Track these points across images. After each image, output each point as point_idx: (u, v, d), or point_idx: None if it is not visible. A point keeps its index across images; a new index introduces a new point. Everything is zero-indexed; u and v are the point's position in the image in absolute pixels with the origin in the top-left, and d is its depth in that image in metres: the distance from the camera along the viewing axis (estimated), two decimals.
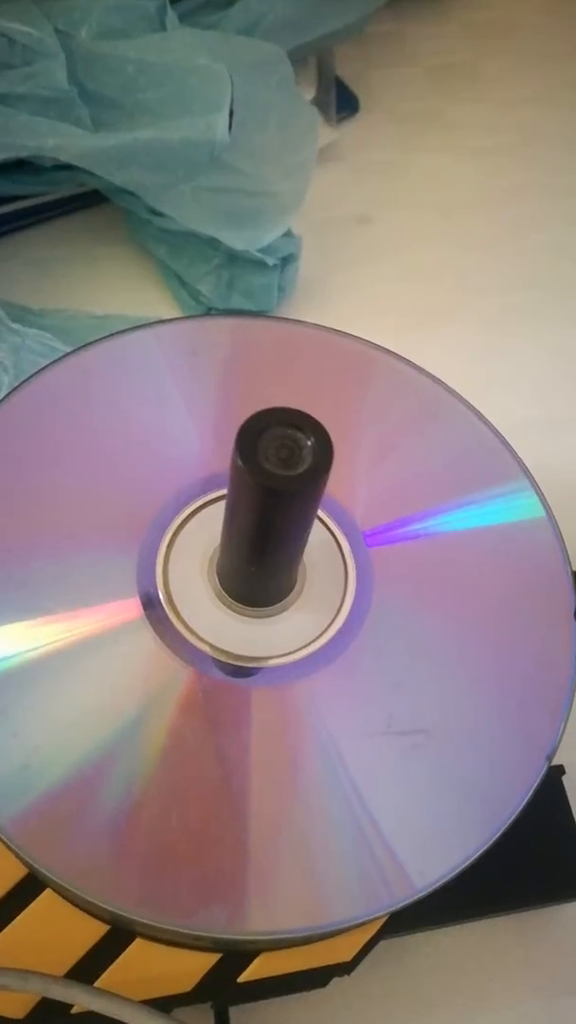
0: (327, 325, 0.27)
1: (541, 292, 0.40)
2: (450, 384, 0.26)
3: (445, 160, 0.45)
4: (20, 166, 0.34)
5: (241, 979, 0.22)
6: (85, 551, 0.23)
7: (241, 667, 0.22)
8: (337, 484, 0.20)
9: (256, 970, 0.22)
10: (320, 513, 0.23)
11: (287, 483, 0.17)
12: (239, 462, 0.17)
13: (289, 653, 0.22)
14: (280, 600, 0.22)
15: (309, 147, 0.35)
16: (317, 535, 0.23)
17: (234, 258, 0.35)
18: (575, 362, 0.39)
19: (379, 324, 0.38)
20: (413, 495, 0.24)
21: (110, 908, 0.20)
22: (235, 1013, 0.23)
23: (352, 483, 0.24)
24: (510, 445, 0.25)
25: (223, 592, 0.22)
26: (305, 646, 0.22)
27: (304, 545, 0.21)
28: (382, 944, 0.22)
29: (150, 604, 0.22)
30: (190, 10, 0.35)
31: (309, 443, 0.17)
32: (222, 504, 0.21)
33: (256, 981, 0.22)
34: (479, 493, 0.24)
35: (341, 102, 0.43)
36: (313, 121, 0.35)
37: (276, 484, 0.17)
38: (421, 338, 0.38)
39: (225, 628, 0.22)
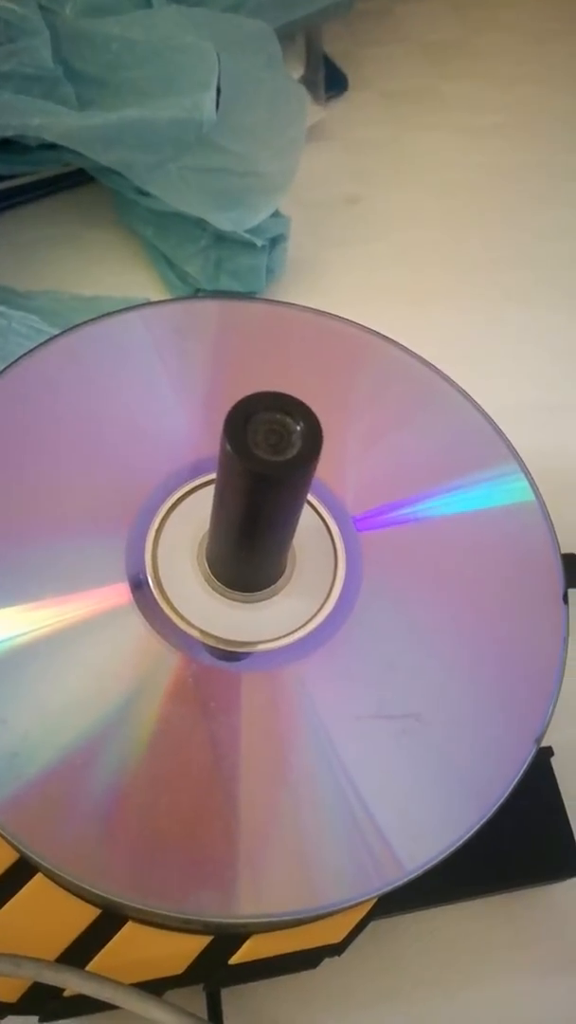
0: (316, 305, 0.27)
1: (534, 272, 0.40)
2: (441, 365, 0.26)
3: (435, 138, 0.44)
4: (5, 145, 0.34)
5: (232, 961, 0.22)
6: (73, 536, 0.23)
7: (231, 652, 0.22)
8: (327, 469, 0.20)
9: (247, 952, 0.22)
10: (310, 498, 0.23)
11: (276, 469, 0.17)
12: (227, 447, 0.17)
13: (279, 638, 0.22)
14: (270, 585, 0.22)
15: (298, 126, 0.34)
16: (307, 520, 0.23)
17: (222, 239, 0.34)
18: (567, 344, 0.38)
19: (369, 304, 0.38)
20: (403, 479, 0.24)
21: (100, 893, 0.20)
22: (227, 994, 0.24)
23: (342, 468, 0.24)
24: (500, 429, 0.25)
25: (212, 577, 0.22)
26: (295, 631, 0.22)
27: (294, 530, 0.21)
28: (372, 924, 0.22)
29: (139, 589, 0.22)
30: None
31: (298, 428, 0.17)
32: (211, 489, 0.21)
33: (247, 963, 0.22)
34: (469, 477, 0.24)
35: (330, 80, 0.43)
36: (302, 100, 0.35)
37: (265, 470, 0.17)
38: (412, 318, 0.38)
39: (214, 613, 0.22)
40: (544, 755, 0.26)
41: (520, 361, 0.38)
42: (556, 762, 0.26)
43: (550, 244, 0.41)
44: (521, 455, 0.25)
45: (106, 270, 0.37)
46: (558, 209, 0.43)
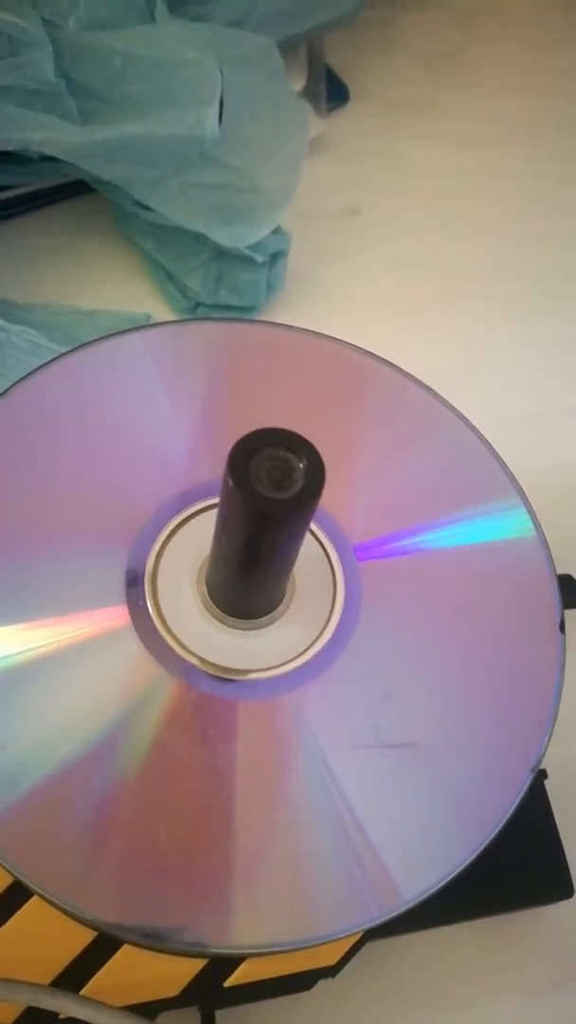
0: (315, 316, 0.27)
1: (531, 282, 0.40)
2: (438, 375, 0.26)
3: (435, 149, 0.44)
4: (5, 156, 0.34)
5: (227, 983, 0.22)
6: (73, 558, 0.23)
7: (228, 679, 0.22)
8: (328, 497, 0.20)
9: (242, 975, 0.22)
10: (311, 526, 0.23)
11: (279, 507, 0.17)
12: (231, 483, 0.17)
13: (277, 666, 0.22)
14: (269, 613, 0.22)
15: (299, 141, 0.34)
16: (307, 547, 0.23)
17: (223, 253, 0.34)
18: (564, 352, 0.39)
19: (368, 315, 0.38)
20: (404, 509, 0.24)
21: (93, 919, 0.20)
22: (221, 1016, 0.24)
23: (344, 496, 0.24)
24: (501, 458, 0.25)
25: (211, 603, 0.22)
26: (293, 659, 0.22)
27: (294, 561, 0.21)
28: (366, 946, 0.23)
29: (137, 612, 0.22)
30: (180, 1, 0.34)
31: (301, 466, 0.17)
32: (212, 513, 0.21)
33: (242, 985, 0.22)
34: (470, 509, 0.25)
35: (331, 92, 0.43)
36: (304, 115, 0.35)
37: (268, 507, 0.17)
38: (410, 328, 0.38)
39: (213, 639, 0.22)
40: (538, 777, 0.26)
41: (519, 368, 0.38)
42: (550, 783, 0.26)
43: (546, 252, 0.41)
44: (518, 464, 0.25)
45: (105, 282, 0.37)
46: (560, 218, 0.43)
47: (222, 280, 0.35)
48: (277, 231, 0.35)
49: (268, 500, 0.17)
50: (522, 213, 0.43)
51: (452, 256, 0.41)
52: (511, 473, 0.25)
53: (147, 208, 0.34)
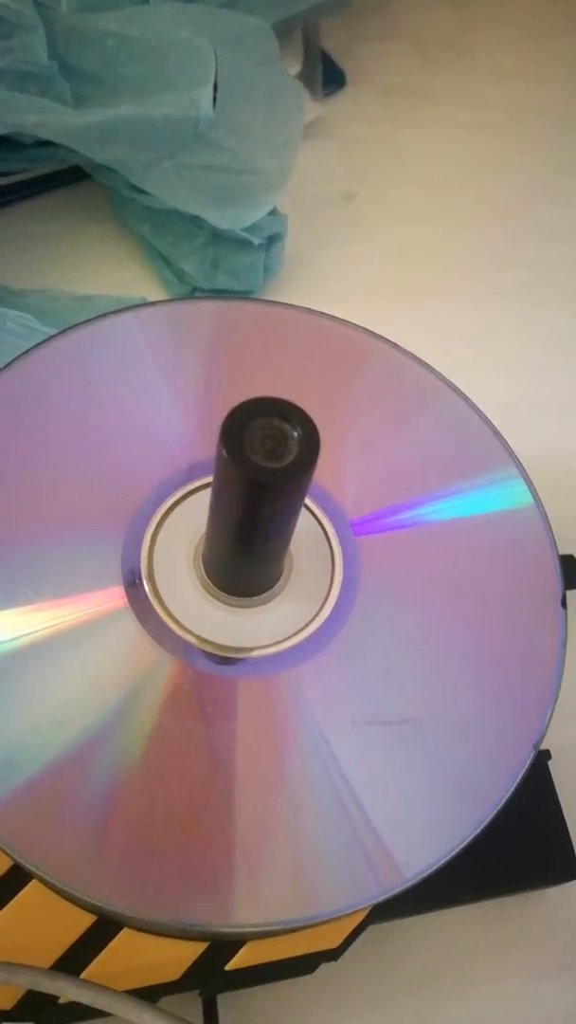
0: (312, 302, 0.27)
1: (528, 271, 0.40)
2: (437, 362, 0.26)
3: (433, 135, 0.44)
4: (0, 142, 0.34)
5: (229, 967, 0.22)
6: (69, 539, 0.23)
7: (227, 657, 0.22)
8: (324, 472, 0.20)
9: (244, 958, 0.22)
10: (307, 501, 0.23)
11: (273, 475, 0.17)
12: (224, 453, 0.17)
13: (275, 643, 0.22)
14: (266, 590, 0.22)
15: (295, 123, 0.34)
16: (304, 523, 0.22)
17: (219, 237, 0.34)
18: (562, 342, 0.38)
19: (365, 301, 0.38)
20: (401, 483, 0.24)
21: (95, 901, 0.20)
22: (223, 1000, 0.23)
23: (340, 471, 0.24)
24: (499, 431, 0.25)
25: (208, 581, 0.22)
26: (291, 636, 0.22)
27: (291, 536, 0.20)
28: (369, 929, 0.22)
29: (134, 593, 0.22)
30: None
31: (296, 434, 0.17)
32: (207, 492, 0.21)
33: (244, 969, 0.22)
34: (468, 481, 0.24)
35: (327, 77, 0.43)
36: (299, 97, 0.35)
37: (262, 476, 0.17)
38: (407, 316, 0.37)
39: (210, 617, 0.22)
40: (541, 758, 0.26)
41: (517, 358, 0.38)
42: (553, 765, 0.26)
43: (543, 241, 0.41)
44: (518, 454, 0.25)
45: (101, 267, 0.37)
46: (556, 207, 0.42)
47: (219, 264, 0.35)
48: (273, 213, 0.34)
49: (262, 469, 0.17)
50: (520, 202, 0.42)
51: (448, 242, 0.40)
52: (508, 445, 0.25)
53: (142, 192, 0.33)
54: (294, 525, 0.20)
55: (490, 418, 0.26)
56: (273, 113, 0.33)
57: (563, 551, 0.25)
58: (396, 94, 0.45)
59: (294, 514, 0.19)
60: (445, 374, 0.26)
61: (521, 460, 0.25)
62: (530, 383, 0.37)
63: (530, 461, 0.25)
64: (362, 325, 0.27)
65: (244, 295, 0.35)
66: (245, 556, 0.20)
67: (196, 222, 0.34)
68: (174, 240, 0.35)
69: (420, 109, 0.45)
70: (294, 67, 0.40)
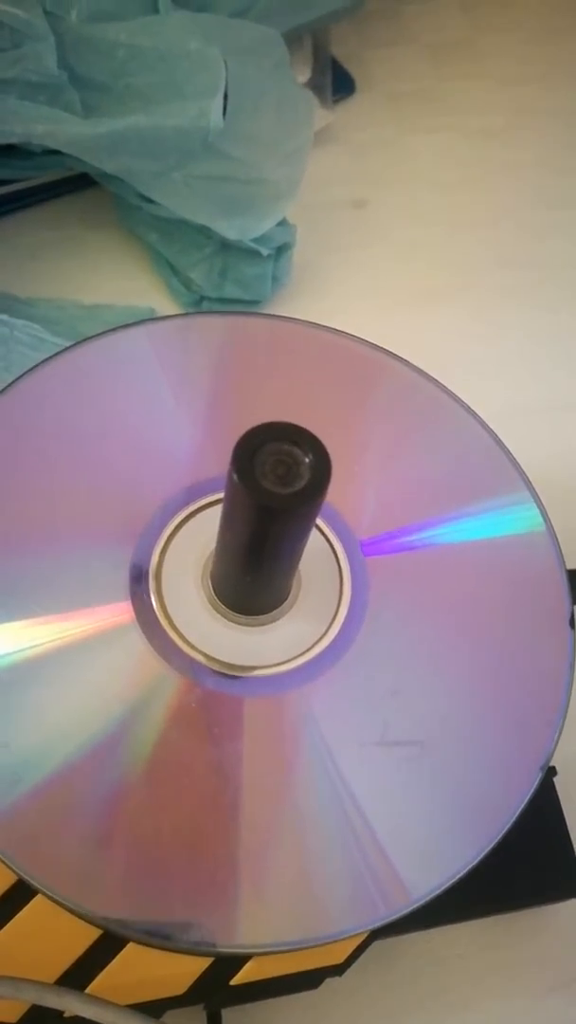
0: (321, 310, 0.27)
1: (539, 274, 0.40)
2: (447, 368, 0.26)
3: (442, 140, 0.44)
4: (8, 150, 0.34)
5: (234, 982, 0.22)
6: (77, 554, 0.23)
7: (234, 676, 0.22)
8: (335, 491, 0.20)
9: (248, 973, 0.22)
10: (317, 520, 0.23)
11: (284, 501, 0.17)
12: (235, 478, 0.17)
13: (283, 662, 0.22)
14: (275, 609, 0.22)
15: (305, 133, 0.34)
16: (313, 542, 0.22)
17: (227, 246, 0.34)
18: (572, 344, 0.38)
19: (374, 308, 0.38)
20: (412, 504, 0.24)
21: (100, 918, 0.20)
22: (228, 1014, 0.24)
23: (350, 490, 0.24)
24: (510, 452, 0.25)
25: (216, 599, 0.22)
26: (299, 655, 0.22)
27: (300, 557, 0.20)
28: (374, 944, 0.22)
29: (142, 608, 0.22)
30: None
31: (307, 460, 0.17)
32: (217, 508, 0.21)
33: (248, 984, 0.22)
34: (478, 504, 0.24)
35: (337, 83, 0.42)
36: (309, 106, 0.34)
37: (273, 502, 0.17)
38: (417, 321, 0.37)
39: (218, 636, 0.22)
40: (548, 774, 0.26)
41: (526, 362, 0.37)
42: (559, 780, 0.26)
43: (553, 243, 0.41)
44: (526, 458, 0.25)
45: (109, 276, 0.37)
46: (568, 210, 0.42)
47: (227, 273, 0.35)
48: (282, 223, 0.34)
49: (273, 495, 0.17)
50: (530, 205, 0.42)
51: (459, 248, 0.40)
52: (520, 467, 0.25)
53: (151, 201, 0.33)
54: (303, 547, 0.20)
55: (498, 420, 0.25)
56: (283, 123, 0.33)
57: (571, 565, 0.25)
58: (406, 99, 0.45)
59: (304, 537, 0.19)
60: (455, 378, 0.26)
61: (529, 463, 0.25)
62: (540, 386, 0.37)
63: (539, 464, 0.25)
64: (371, 331, 0.27)
65: (252, 305, 0.35)
66: (254, 576, 0.20)
67: (205, 231, 0.34)
68: (182, 249, 0.35)
69: (430, 114, 0.45)
70: (304, 74, 0.40)
